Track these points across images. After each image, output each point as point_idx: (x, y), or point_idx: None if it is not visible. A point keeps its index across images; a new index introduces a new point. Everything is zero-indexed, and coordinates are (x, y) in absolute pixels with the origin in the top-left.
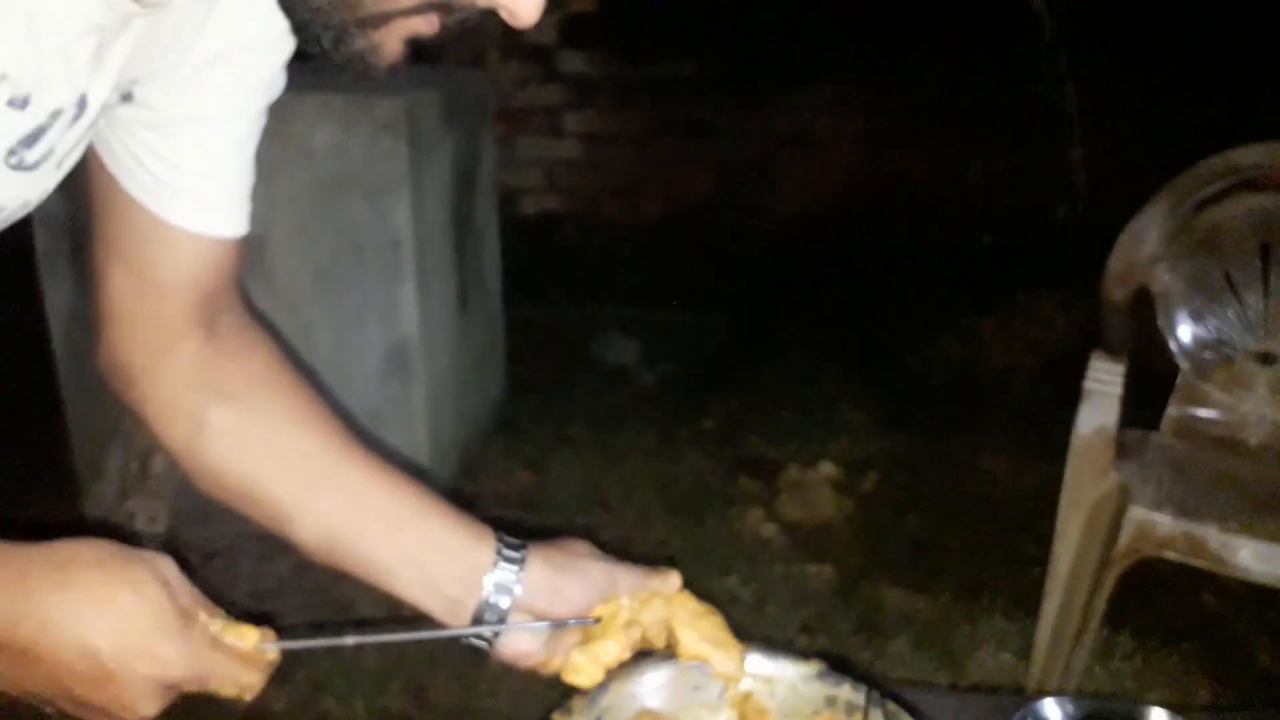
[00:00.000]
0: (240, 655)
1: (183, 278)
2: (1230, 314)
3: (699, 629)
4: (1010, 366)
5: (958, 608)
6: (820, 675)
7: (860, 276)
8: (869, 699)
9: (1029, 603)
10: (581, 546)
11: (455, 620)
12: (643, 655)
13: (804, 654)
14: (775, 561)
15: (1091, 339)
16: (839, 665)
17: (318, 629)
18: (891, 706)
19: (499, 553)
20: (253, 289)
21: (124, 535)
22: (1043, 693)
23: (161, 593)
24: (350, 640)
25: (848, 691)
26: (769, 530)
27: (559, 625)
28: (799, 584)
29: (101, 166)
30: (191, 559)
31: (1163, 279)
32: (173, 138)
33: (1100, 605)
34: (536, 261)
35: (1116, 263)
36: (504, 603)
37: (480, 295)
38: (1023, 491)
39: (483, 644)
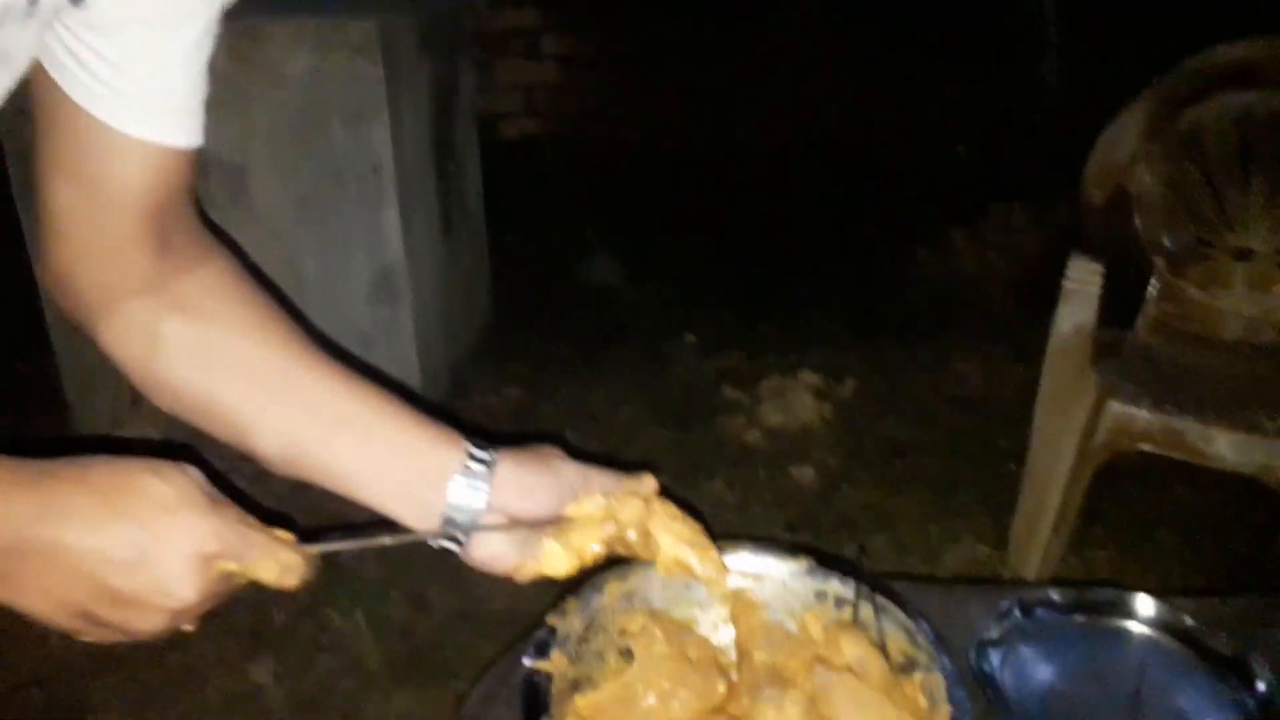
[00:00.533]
0: (271, 537)
1: (131, 189)
2: (1208, 211)
3: (676, 532)
4: (983, 275)
5: (935, 504)
6: (809, 571)
7: (836, 192)
8: (858, 592)
9: (1004, 497)
10: (552, 449)
11: (424, 524)
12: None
13: (793, 550)
14: (759, 466)
15: (1065, 247)
16: (827, 561)
17: (347, 530)
18: (880, 599)
19: (467, 454)
20: (235, 219)
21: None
22: (1026, 582)
23: (185, 477)
24: (388, 540)
25: (836, 586)
26: (752, 436)
27: (535, 526)
28: (781, 486)
29: (45, 74)
30: None
31: (1141, 179)
32: (120, 42)
33: (1077, 498)
34: (518, 185)
35: (1095, 164)
36: (473, 502)
37: (464, 219)
38: (997, 393)
39: (454, 546)
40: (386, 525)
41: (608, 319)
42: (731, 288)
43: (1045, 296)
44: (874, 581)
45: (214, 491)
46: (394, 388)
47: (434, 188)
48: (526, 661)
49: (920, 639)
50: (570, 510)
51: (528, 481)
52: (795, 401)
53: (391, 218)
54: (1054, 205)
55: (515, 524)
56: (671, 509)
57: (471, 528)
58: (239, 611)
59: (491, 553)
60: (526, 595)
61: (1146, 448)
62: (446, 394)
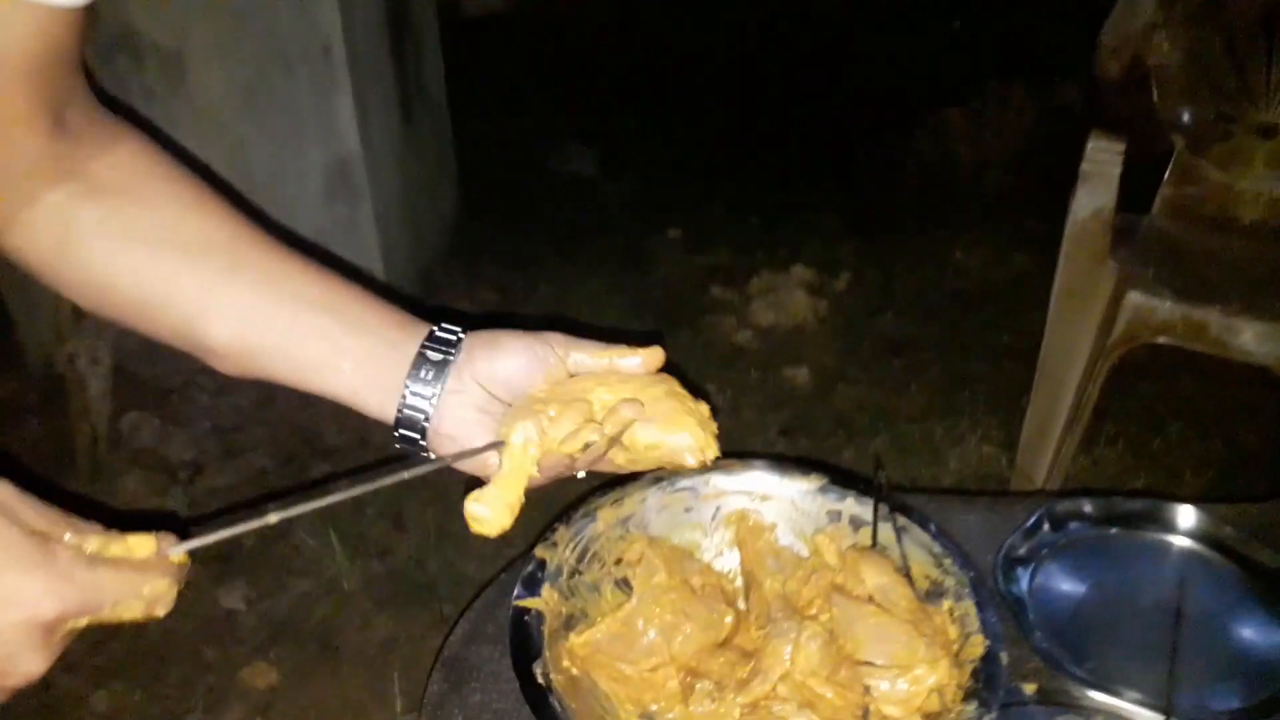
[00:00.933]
0: (133, 566)
1: (11, 55)
2: (1230, 84)
3: (663, 415)
4: (981, 159)
5: (937, 403)
6: (822, 489)
7: (826, 72)
8: (876, 512)
9: (1010, 395)
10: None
11: (385, 409)
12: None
13: (801, 465)
14: (751, 367)
15: (1066, 127)
16: (840, 477)
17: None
18: (901, 520)
19: (437, 326)
20: (174, 111)
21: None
22: (1053, 492)
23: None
24: (273, 517)
25: (852, 505)
26: (743, 337)
27: (454, 459)
28: (775, 388)
29: None
30: (146, 399)
31: (1159, 49)
32: None
33: (1093, 395)
34: (483, 68)
35: (1110, 34)
36: (437, 370)
37: (425, 106)
38: (998, 284)
39: (414, 435)
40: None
41: (585, 213)
42: (716, 178)
43: (1046, 180)
44: (895, 500)
45: (39, 517)
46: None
47: (391, 71)
48: (515, 600)
49: (947, 562)
50: (538, 391)
51: (497, 339)
52: (787, 298)
53: (345, 105)
54: (1055, 82)
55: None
56: (663, 387)
57: (428, 408)
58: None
59: (464, 441)
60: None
61: (1165, 341)
62: (415, 299)
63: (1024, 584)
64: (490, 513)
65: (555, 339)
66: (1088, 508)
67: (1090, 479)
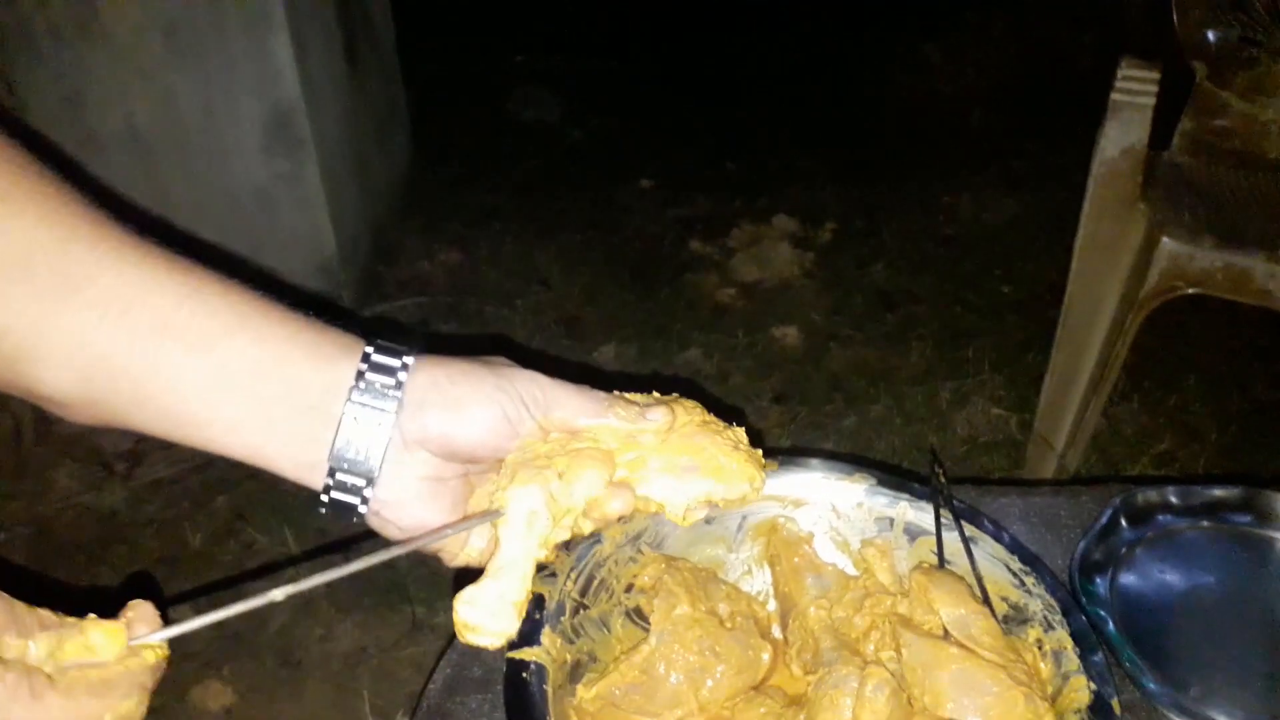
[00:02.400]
0: (93, 683)
1: None
2: (1256, 5)
3: (700, 455)
4: (963, 94)
5: (939, 362)
6: (869, 491)
7: (798, 5)
8: (939, 520)
9: (1015, 351)
10: (501, 359)
11: (304, 475)
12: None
13: (847, 463)
14: (737, 328)
15: (1048, 59)
16: (891, 476)
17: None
18: (969, 528)
19: (366, 359)
20: (87, 56)
21: None
22: (1122, 479)
23: None
24: (278, 593)
25: (906, 510)
26: (726, 295)
27: (440, 532)
28: (765, 350)
29: None
30: None
31: None
32: None
33: (1122, 352)
34: (434, 4)
35: None
36: (379, 422)
37: (371, 47)
38: (991, 228)
39: (351, 500)
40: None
41: (549, 163)
42: (688, 121)
43: (1031, 117)
44: (961, 507)
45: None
46: (273, 282)
47: (332, 6)
48: (509, 653)
49: (1030, 580)
50: (512, 456)
51: (457, 391)
52: (771, 251)
53: (282, 45)
54: (1034, 12)
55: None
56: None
57: (370, 470)
58: (146, 536)
59: (411, 511)
60: None
61: (1202, 291)
62: (368, 260)
63: (1104, 594)
64: (491, 619)
65: (530, 394)
66: (1172, 497)
67: (1108, 442)
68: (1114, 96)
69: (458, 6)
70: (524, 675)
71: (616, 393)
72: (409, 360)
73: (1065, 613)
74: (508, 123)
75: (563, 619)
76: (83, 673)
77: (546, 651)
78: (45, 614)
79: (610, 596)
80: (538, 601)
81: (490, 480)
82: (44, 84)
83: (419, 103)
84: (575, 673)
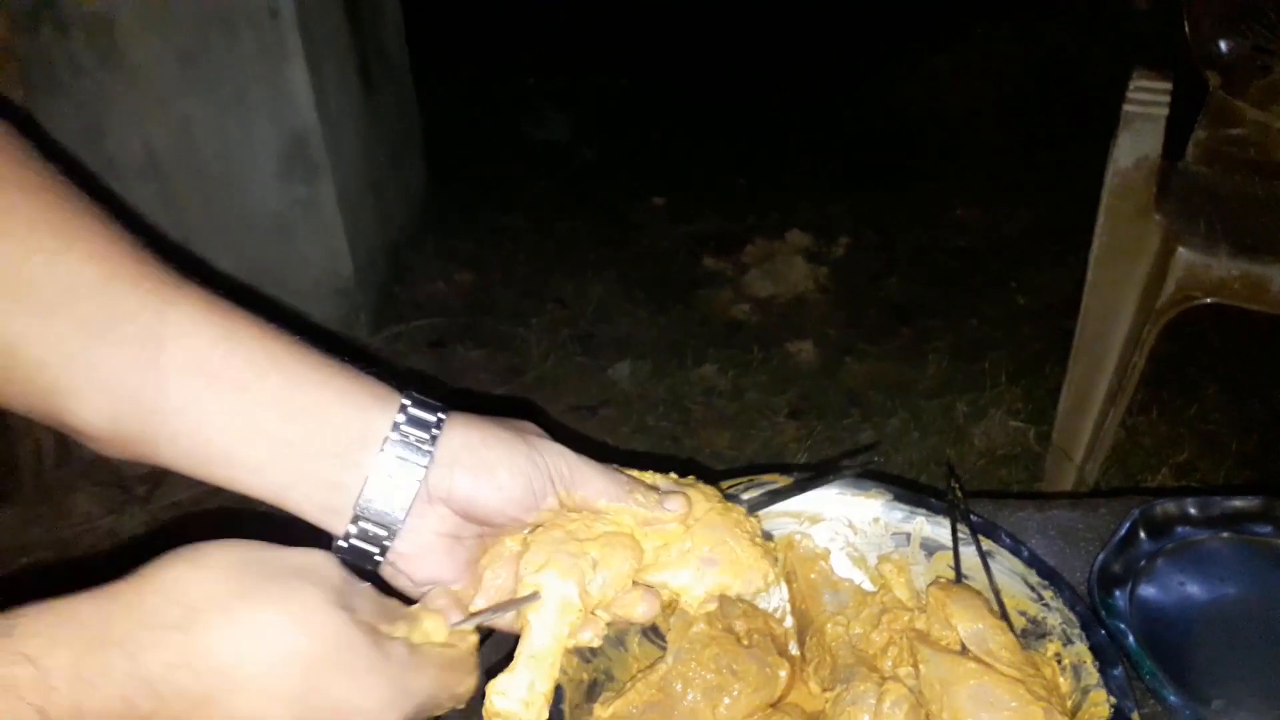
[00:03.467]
0: (447, 662)
1: None
2: (1269, 15)
3: (718, 547)
4: (973, 106)
5: (954, 374)
6: (886, 506)
7: (805, 21)
8: (956, 534)
9: (1031, 363)
10: (528, 425)
11: (326, 519)
12: None
13: (856, 475)
14: (751, 343)
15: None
16: (907, 491)
17: None
18: (986, 543)
19: (403, 411)
20: (106, 83)
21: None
22: (1138, 490)
23: (338, 619)
24: None
25: (923, 524)
26: (740, 310)
27: (486, 616)
28: (780, 365)
29: None
30: None
31: None
32: None
33: (1139, 363)
34: (447, 29)
35: None
36: (408, 477)
37: (386, 71)
38: (1004, 240)
39: (371, 549)
40: None
41: (562, 182)
42: (699, 139)
43: (1040, 128)
44: (979, 522)
45: (364, 603)
46: (300, 323)
47: (346, 33)
48: None
49: (1049, 595)
50: (537, 528)
51: (487, 456)
52: (784, 267)
53: (298, 73)
54: (1043, 23)
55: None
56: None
57: (394, 523)
58: None
59: (425, 565)
60: None
61: (1219, 301)
62: (384, 281)
63: (1123, 607)
64: (523, 709)
65: (556, 468)
66: (1191, 509)
67: (1127, 453)
68: (1126, 107)
69: (471, 31)
70: None
71: (634, 473)
72: (443, 416)
73: (1084, 626)
74: (520, 143)
75: None
76: (441, 651)
77: (563, 671)
78: (393, 602)
79: None
80: None
81: (501, 543)
82: (64, 113)
83: (433, 126)
84: (592, 692)
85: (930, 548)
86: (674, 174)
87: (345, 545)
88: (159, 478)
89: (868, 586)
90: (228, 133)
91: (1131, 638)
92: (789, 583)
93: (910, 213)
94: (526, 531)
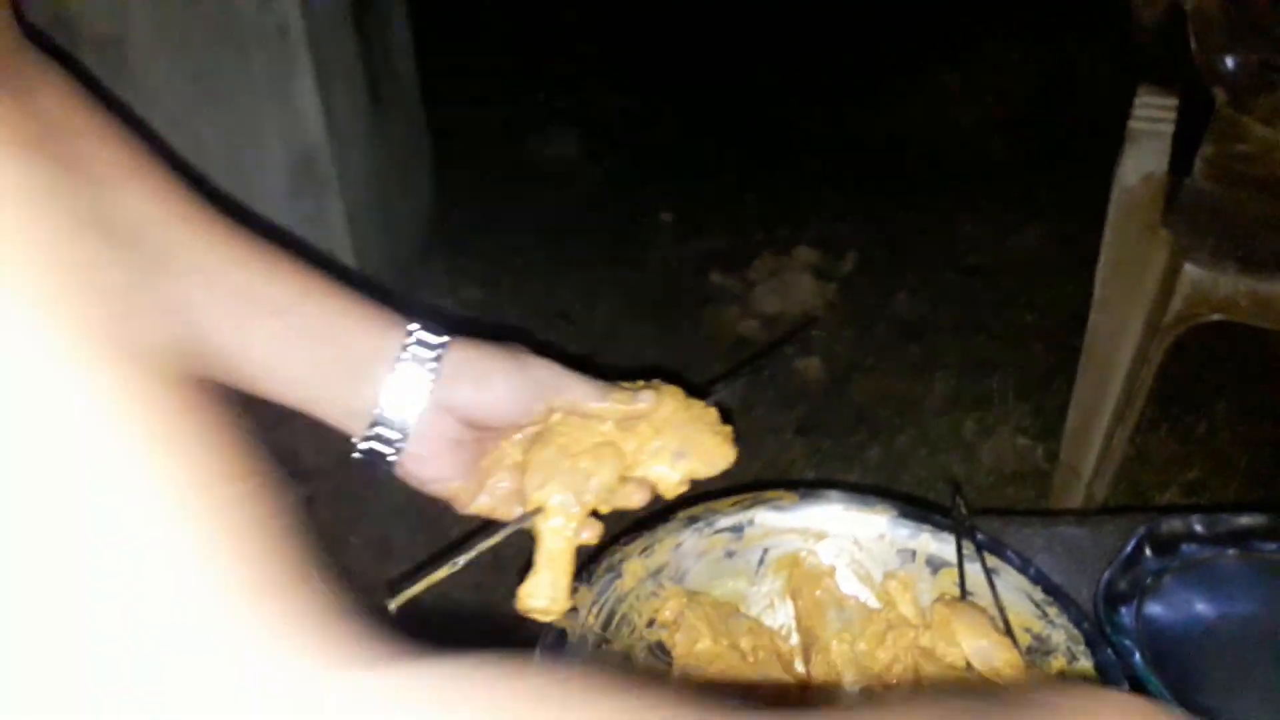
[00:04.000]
0: None
1: None
2: (1277, 30)
3: (684, 438)
4: (983, 123)
5: (963, 392)
6: (891, 523)
7: (815, 38)
8: (961, 551)
9: (1040, 380)
10: (519, 346)
11: (348, 423)
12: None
13: (865, 494)
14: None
15: (1068, 87)
16: (912, 507)
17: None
18: (991, 560)
19: (410, 333)
20: (116, 102)
21: None
22: (1146, 509)
23: None
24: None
25: (928, 541)
26: (748, 327)
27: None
28: (786, 381)
29: None
30: None
31: None
32: None
33: (1147, 380)
34: (456, 47)
35: None
36: (417, 388)
37: (394, 89)
38: (1014, 258)
39: (386, 449)
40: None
41: (570, 200)
42: (708, 156)
43: (1053, 145)
44: (984, 539)
45: None
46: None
47: (355, 51)
48: None
49: (1053, 611)
50: (536, 494)
51: (484, 368)
52: (792, 283)
53: (306, 89)
54: (1053, 39)
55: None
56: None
57: (406, 427)
58: None
59: (433, 465)
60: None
61: (1227, 318)
62: (392, 300)
63: (1129, 625)
64: (550, 601)
65: (544, 378)
66: (1197, 526)
67: (1136, 470)
68: (1132, 124)
69: (479, 49)
70: None
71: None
72: (446, 339)
73: (1089, 643)
74: (529, 161)
75: (585, 651)
76: None
77: None
78: None
79: (632, 631)
80: (560, 636)
81: (500, 448)
82: None
83: (441, 143)
84: None
85: (935, 564)
86: (682, 191)
87: (364, 447)
88: None
89: (873, 603)
90: (237, 150)
91: (1137, 655)
92: (794, 600)
93: (920, 230)
94: (519, 436)
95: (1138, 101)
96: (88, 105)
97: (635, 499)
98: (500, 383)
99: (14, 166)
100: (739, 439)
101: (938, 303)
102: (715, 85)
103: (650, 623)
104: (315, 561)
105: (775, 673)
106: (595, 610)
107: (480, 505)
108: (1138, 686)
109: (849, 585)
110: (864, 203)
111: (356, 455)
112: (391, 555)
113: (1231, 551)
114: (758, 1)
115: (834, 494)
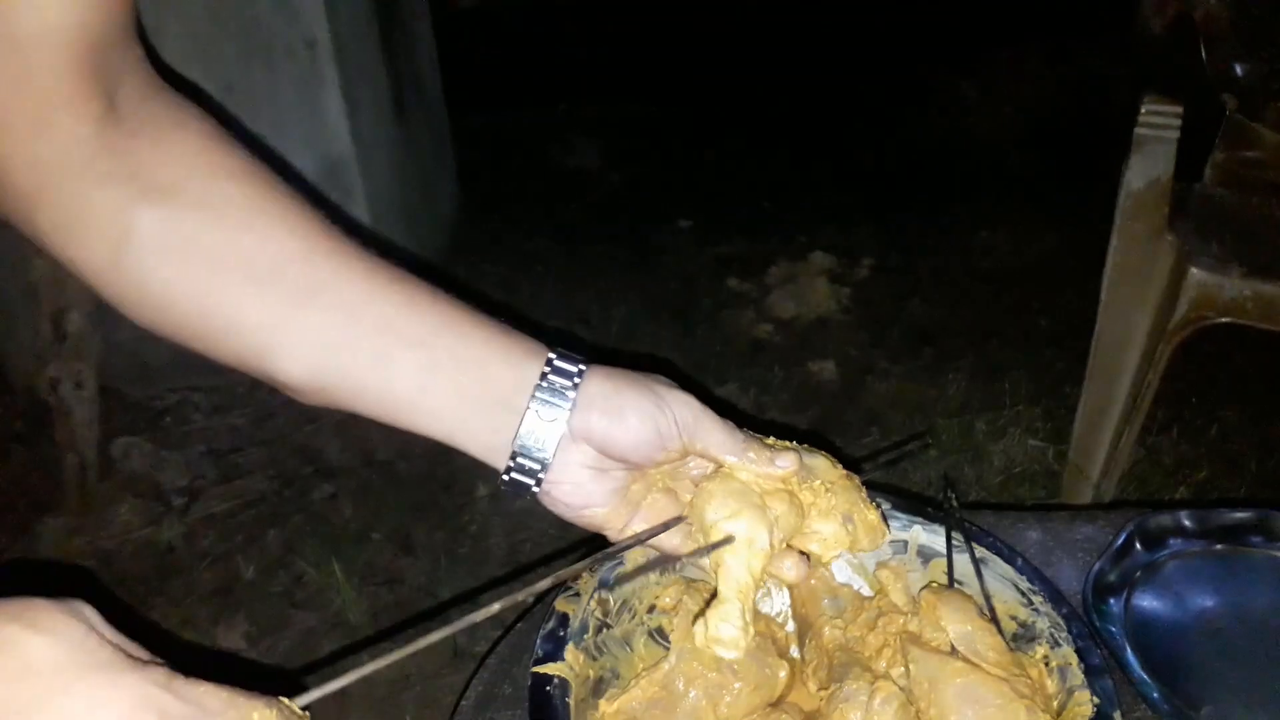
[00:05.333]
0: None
1: (52, 24)
2: None
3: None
4: (999, 131)
5: (975, 395)
6: (886, 514)
7: (832, 47)
8: (950, 542)
9: (1052, 384)
10: (662, 378)
11: (490, 455)
12: None
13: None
14: (773, 363)
15: (1084, 93)
16: (905, 500)
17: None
18: (980, 550)
19: (549, 364)
20: None
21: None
22: (1139, 503)
23: (79, 624)
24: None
25: (920, 533)
26: (763, 330)
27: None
28: (800, 384)
29: None
30: (137, 422)
31: (1207, 2)
32: None
33: (1154, 382)
34: (478, 60)
35: None
36: (555, 418)
37: (419, 100)
38: (1028, 264)
39: (527, 480)
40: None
41: (590, 207)
42: (725, 163)
43: (1068, 151)
44: (972, 529)
45: (126, 643)
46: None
47: (381, 64)
48: (534, 666)
49: (1038, 600)
50: (706, 498)
51: (619, 401)
52: (807, 288)
53: (333, 100)
54: (1071, 47)
55: (603, 462)
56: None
57: (546, 457)
58: (201, 568)
59: (577, 494)
60: (528, 529)
61: (1232, 320)
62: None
63: (1116, 612)
64: (741, 634)
65: (682, 417)
66: (1185, 521)
67: (1146, 471)
68: (1138, 130)
69: (502, 60)
70: (548, 689)
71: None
72: (584, 367)
73: (1070, 630)
74: (550, 169)
75: (586, 637)
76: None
77: (570, 667)
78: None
79: (633, 617)
80: (562, 620)
81: (649, 475)
82: None
83: (465, 152)
84: (598, 688)
85: (927, 555)
86: (700, 198)
87: (506, 479)
88: (197, 491)
89: (866, 592)
90: (265, 159)
91: (1123, 643)
92: (791, 589)
93: (935, 236)
94: (662, 469)
95: (1144, 108)
96: (225, 145)
97: (789, 571)
98: (633, 417)
99: (150, 213)
100: (772, 422)
101: (952, 308)
102: (733, 95)
103: (650, 609)
104: None
105: (770, 657)
106: (596, 596)
107: (631, 532)
108: (1123, 672)
109: (843, 575)
110: (880, 210)
111: (503, 486)
112: (413, 551)
113: (1220, 546)
114: (776, 13)
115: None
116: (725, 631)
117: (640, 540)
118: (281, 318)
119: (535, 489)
